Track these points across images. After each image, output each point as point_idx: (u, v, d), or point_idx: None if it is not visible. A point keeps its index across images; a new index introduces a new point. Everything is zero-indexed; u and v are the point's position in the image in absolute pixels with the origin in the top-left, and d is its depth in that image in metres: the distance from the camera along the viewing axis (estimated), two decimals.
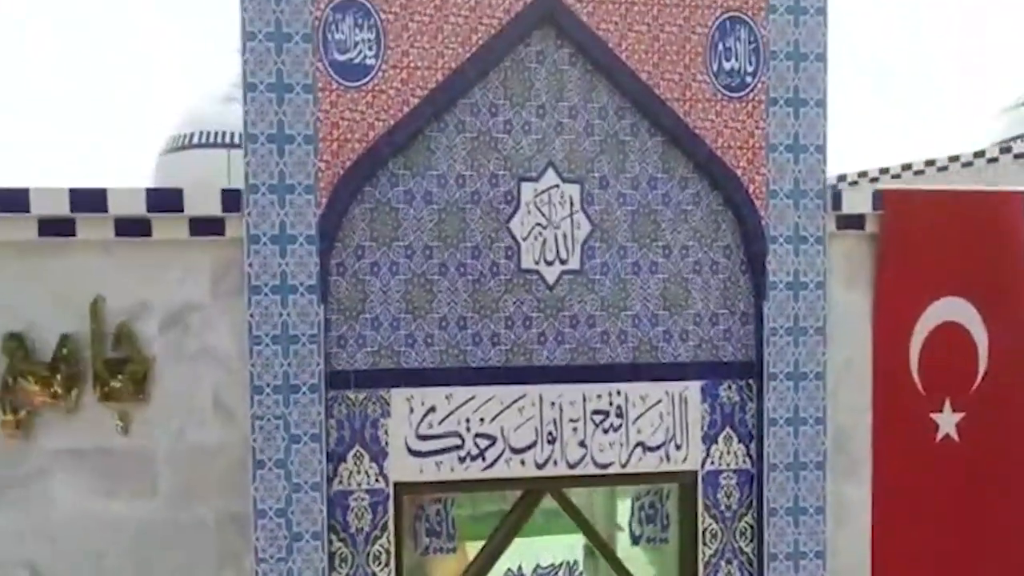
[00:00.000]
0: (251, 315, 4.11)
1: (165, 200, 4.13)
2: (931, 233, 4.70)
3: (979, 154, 15.57)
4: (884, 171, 16.72)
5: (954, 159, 15.78)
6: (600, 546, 4.87)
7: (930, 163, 16.14)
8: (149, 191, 4.14)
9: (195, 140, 15.49)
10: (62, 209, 4.03)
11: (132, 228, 4.11)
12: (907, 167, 16.51)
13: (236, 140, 15.24)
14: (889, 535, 4.77)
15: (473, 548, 4.82)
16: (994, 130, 19.05)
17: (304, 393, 4.16)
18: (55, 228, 4.05)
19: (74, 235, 4.07)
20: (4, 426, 4.03)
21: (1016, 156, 14.97)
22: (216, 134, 15.42)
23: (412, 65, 4.21)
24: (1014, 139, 17.82)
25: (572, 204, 4.49)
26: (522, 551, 4.82)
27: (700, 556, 4.69)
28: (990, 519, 4.78)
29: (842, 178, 17.36)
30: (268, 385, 4.14)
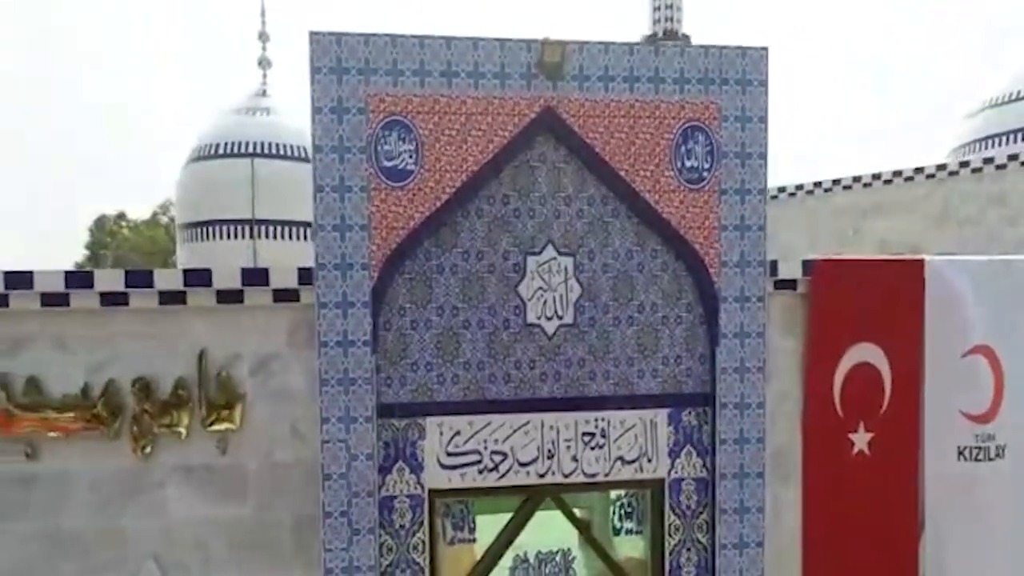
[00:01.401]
0: (320, 363, 5.29)
1: (255, 277, 5.32)
2: (849, 293, 5.90)
3: (941, 167, 16.82)
4: (877, 176, 17.93)
5: (919, 170, 17.03)
6: (589, 539, 6.09)
7: (897, 173, 17.41)
8: (244, 270, 5.32)
9: (220, 150, 16.65)
10: (177, 284, 5.22)
11: (229, 297, 5.30)
12: (877, 176, 17.76)
13: (258, 150, 16.42)
14: (815, 528, 5.98)
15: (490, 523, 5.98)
16: (960, 133, 20.31)
17: (360, 423, 5.36)
18: (171, 298, 5.24)
19: (185, 303, 5.26)
20: (133, 450, 5.24)
21: (973, 170, 16.22)
22: (239, 144, 16.55)
23: (443, 169, 5.38)
24: (976, 141, 19.11)
25: (567, 272, 5.68)
26: (526, 541, 6.02)
27: (667, 545, 5.91)
28: (891, 514, 6.00)
29: (818, 184, 18.60)
30: (333, 416, 5.33)
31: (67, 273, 5.11)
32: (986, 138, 19.25)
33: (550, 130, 5.54)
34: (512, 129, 5.44)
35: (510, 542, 5.92)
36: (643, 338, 5.79)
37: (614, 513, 6.24)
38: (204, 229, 16.36)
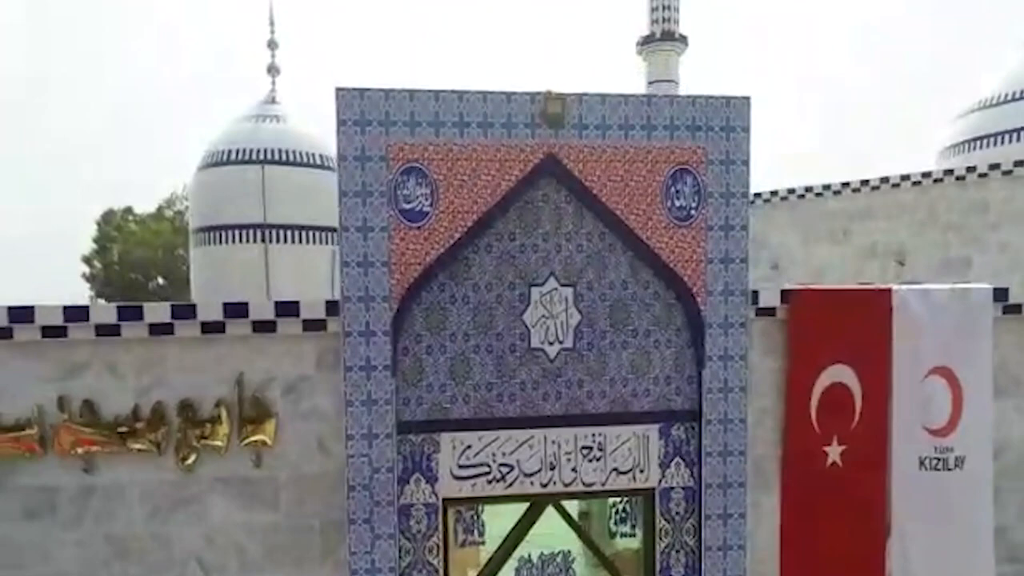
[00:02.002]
0: (345, 386, 5.87)
1: (287, 308, 5.89)
2: (823, 319, 6.47)
3: (926, 174, 17.37)
4: (865, 182, 18.50)
5: (905, 177, 17.59)
6: (587, 541, 6.68)
7: (884, 180, 17.96)
8: (277, 303, 5.89)
9: (231, 157, 17.18)
10: (217, 316, 5.79)
11: (264, 327, 5.87)
12: (865, 182, 18.33)
13: (267, 157, 16.95)
14: (793, 532, 6.57)
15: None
16: (949, 134, 20.87)
17: (381, 439, 5.94)
18: (212, 327, 5.81)
19: (224, 332, 5.84)
20: (177, 463, 5.83)
21: (957, 178, 16.77)
22: (250, 151, 17.07)
23: (455, 210, 5.95)
24: (966, 142, 19.70)
25: (567, 302, 6.25)
26: (530, 544, 6.61)
27: (657, 547, 6.49)
28: (861, 519, 6.59)
29: (809, 188, 19.15)
30: (357, 433, 5.90)
31: (119, 307, 5.69)
32: (975, 139, 19.86)
33: (552, 174, 6.09)
34: (518, 173, 6.00)
35: (516, 544, 6.50)
36: (636, 360, 6.36)
37: (610, 518, 6.82)
38: (217, 233, 16.89)
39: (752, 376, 6.42)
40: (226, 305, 5.80)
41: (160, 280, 40.55)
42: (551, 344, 6.25)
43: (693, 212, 6.23)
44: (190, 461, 5.84)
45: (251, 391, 5.91)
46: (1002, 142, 19.31)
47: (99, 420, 5.71)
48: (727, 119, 6.23)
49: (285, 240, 16.78)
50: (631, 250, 6.27)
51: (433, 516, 6.18)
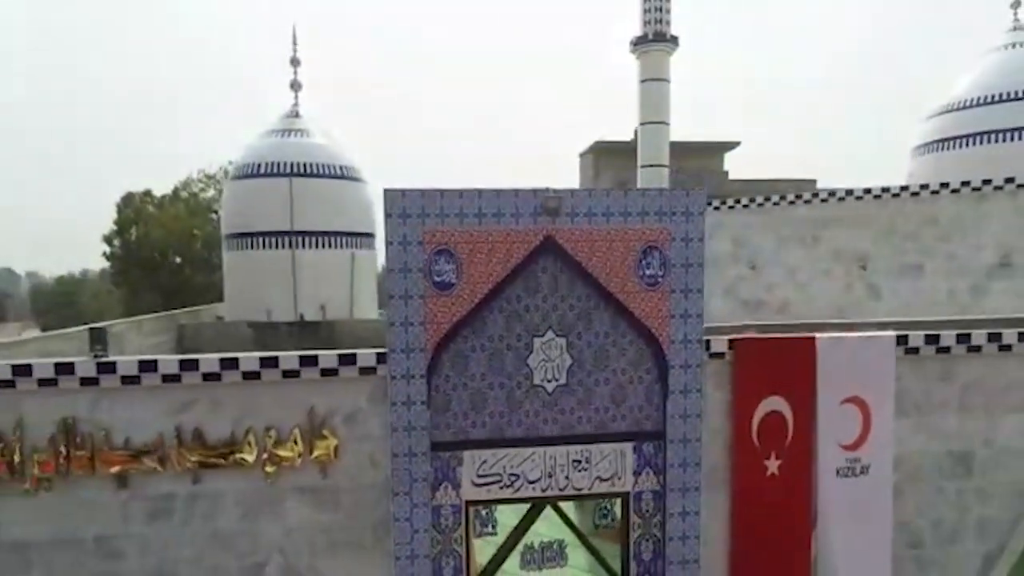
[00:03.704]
0: (391, 416, 7.54)
1: (347, 359, 7.55)
2: (761, 361, 8.14)
3: (886, 189, 18.95)
4: (832, 194, 20.09)
5: (867, 191, 19.17)
6: (577, 534, 8.41)
7: (849, 192, 19.53)
8: (340, 355, 7.56)
9: (261, 170, 18.79)
10: (294, 365, 7.47)
11: (329, 372, 7.54)
12: (832, 193, 19.90)
13: (294, 170, 18.54)
14: (741, 527, 8.26)
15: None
16: (919, 132, 22.37)
17: (418, 456, 7.63)
18: (290, 373, 7.48)
19: (299, 376, 7.51)
20: (263, 476, 7.52)
21: (912, 193, 18.35)
22: (278, 164, 18.67)
23: (475, 281, 7.58)
24: (935, 142, 21.23)
25: (562, 348, 7.91)
26: (532, 535, 8.32)
27: (631, 537, 8.20)
28: (793, 516, 8.30)
29: (783, 197, 20.70)
30: (400, 452, 7.58)
31: (221, 359, 7.35)
32: (943, 140, 21.45)
33: (550, 251, 7.71)
34: (523, 251, 7.63)
35: (521, 535, 8.22)
36: (615, 393, 8.02)
37: (595, 514, 8.53)
38: (248, 240, 18.52)
39: (706, 404, 8.09)
40: (301, 357, 7.47)
41: (177, 260, 41.93)
42: (549, 381, 7.91)
43: (660, 279, 7.87)
44: (272, 473, 7.51)
45: (319, 420, 7.57)
46: (967, 144, 20.98)
47: (204, 443, 7.38)
48: (687, 207, 7.86)
49: (310, 245, 18.38)
50: (611, 309, 7.90)
51: (457, 514, 7.87)
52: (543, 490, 7.98)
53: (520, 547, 8.25)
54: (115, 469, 7.26)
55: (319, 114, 20.44)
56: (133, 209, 42.66)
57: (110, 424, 7.24)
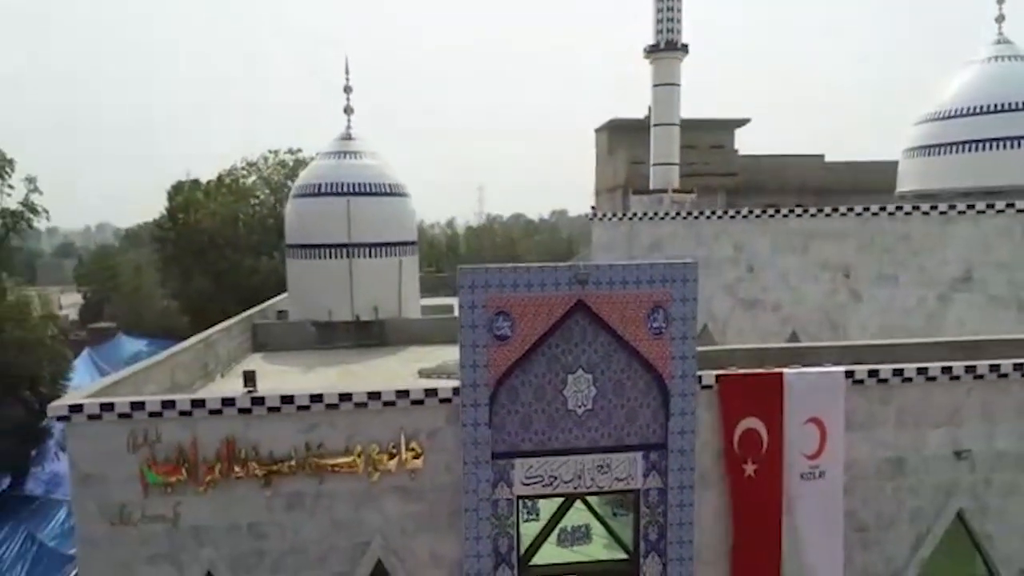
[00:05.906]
0: (463, 434, 9.89)
1: (430, 392, 9.90)
2: (741, 391, 10.42)
3: (866, 208, 20.98)
4: (821, 210, 22.13)
5: (850, 209, 21.21)
6: (600, 520, 10.77)
7: (835, 209, 21.58)
8: (425, 389, 9.91)
9: (321, 190, 21.03)
10: (391, 397, 9.83)
11: (417, 402, 9.89)
12: (820, 210, 21.94)
13: (351, 190, 20.76)
14: (728, 515, 10.63)
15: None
16: (909, 136, 24.16)
17: (483, 463, 9.98)
18: (388, 404, 9.84)
19: (395, 405, 9.87)
20: (368, 478, 9.91)
21: (889, 213, 20.38)
22: (336, 185, 20.87)
23: (526, 334, 9.87)
24: (922, 147, 23.03)
25: (589, 383, 10.20)
26: (566, 519, 10.67)
27: (641, 523, 10.56)
28: (766, 511, 10.61)
29: (778, 210, 22.75)
30: (469, 461, 9.93)
31: (340, 395, 9.71)
32: (930, 145, 23.16)
33: (581, 310, 9.99)
34: (561, 311, 9.91)
35: (558, 521, 10.59)
36: (629, 415, 10.33)
37: (613, 505, 10.88)
38: (310, 251, 20.79)
39: (698, 424, 10.40)
40: (397, 392, 9.82)
41: (223, 244, 43.83)
42: (579, 407, 10.22)
43: (663, 330, 10.15)
44: (375, 477, 9.89)
45: (408, 437, 9.93)
46: (952, 151, 22.68)
47: (326, 454, 9.77)
48: (684, 275, 10.12)
49: (364, 255, 20.64)
50: (627, 352, 10.17)
51: (510, 506, 10.22)
52: (575, 488, 10.30)
53: (556, 530, 10.61)
54: (262, 473, 9.64)
55: (368, 133, 22.52)
56: (183, 197, 44.74)
57: (258, 441, 9.61)
